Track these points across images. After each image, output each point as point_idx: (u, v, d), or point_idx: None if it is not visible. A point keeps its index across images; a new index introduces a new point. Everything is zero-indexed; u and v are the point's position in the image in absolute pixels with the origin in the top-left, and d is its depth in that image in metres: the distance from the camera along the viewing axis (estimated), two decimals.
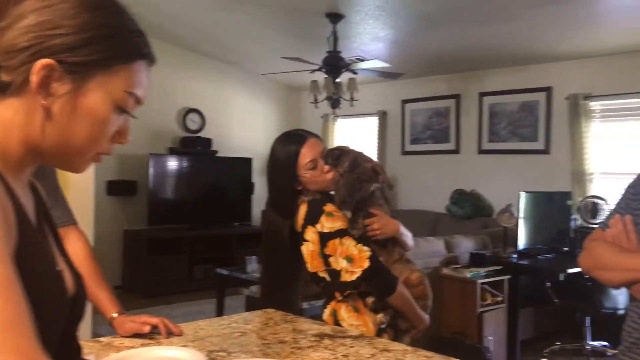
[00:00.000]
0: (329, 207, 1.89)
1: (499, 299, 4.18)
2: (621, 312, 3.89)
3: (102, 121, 0.79)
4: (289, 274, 2.01)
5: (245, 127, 7.70)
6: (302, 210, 1.92)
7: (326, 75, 5.45)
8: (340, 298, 1.89)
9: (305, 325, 1.75)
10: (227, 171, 7.29)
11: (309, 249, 1.90)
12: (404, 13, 5.21)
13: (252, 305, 4.08)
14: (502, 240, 4.60)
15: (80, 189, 3.19)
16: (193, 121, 7.18)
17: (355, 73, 5.55)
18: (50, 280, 0.77)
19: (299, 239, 1.92)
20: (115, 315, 1.59)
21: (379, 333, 1.86)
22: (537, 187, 5.31)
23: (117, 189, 6.52)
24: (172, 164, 6.85)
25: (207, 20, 5.98)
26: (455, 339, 3.63)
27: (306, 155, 1.91)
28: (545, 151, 5.83)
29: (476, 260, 4.30)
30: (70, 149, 0.79)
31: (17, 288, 0.62)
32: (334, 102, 5.62)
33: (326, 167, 1.93)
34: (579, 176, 5.43)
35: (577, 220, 4.91)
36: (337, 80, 5.47)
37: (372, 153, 7.06)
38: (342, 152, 1.95)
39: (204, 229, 6.81)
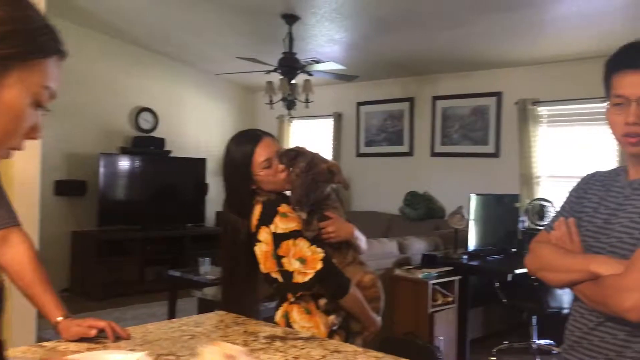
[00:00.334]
0: (283, 208, 1.89)
1: (450, 299, 4.26)
2: (566, 311, 4.00)
3: (19, 116, 0.79)
4: (247, 274, 2.00)
5: (200, 128, 7.62)
6: (257, 210, 1.91)
7: (281, 77, 5.44)
8: (292, 299, 1.89)
9: (257, 327, 1.74)
10: (181, 171, 7.19)
11: (262, 249, 1.89)
12: (360, 16, 5.25)
13: (204, 307, 4.04)
14: (453, 241, 4.70)
15: (25, 188, 3.07)
16: (146, 120, 7.06)
17: (310, 75, 5.57)
18: None
19: (253, 239, 1.91)
20: (60, 319, 1.54)
21: (331, 335, 1.86)
22: (487, 189, 5.43)
23: (66, 189, 6.36)
24: (124, 163, 6.72)
25: (162, 18, 5.88)
26: (407, 339, 3.67)
27: (261, 154, 1.91)
28: (495, 154, 5.97)
29: (428, 261, 4.37)
30: None
31: None
32: (289, 104, 5.62)
33: (281, 167, 1.93)
34: (527, 179, 5.59)
35: (524, 222, 5.05)
36: (293, 81, 5.47)
37: (327, 155, 7.03)
38: (298, 153, 1.95)
39: (156, 230, 6.70)
